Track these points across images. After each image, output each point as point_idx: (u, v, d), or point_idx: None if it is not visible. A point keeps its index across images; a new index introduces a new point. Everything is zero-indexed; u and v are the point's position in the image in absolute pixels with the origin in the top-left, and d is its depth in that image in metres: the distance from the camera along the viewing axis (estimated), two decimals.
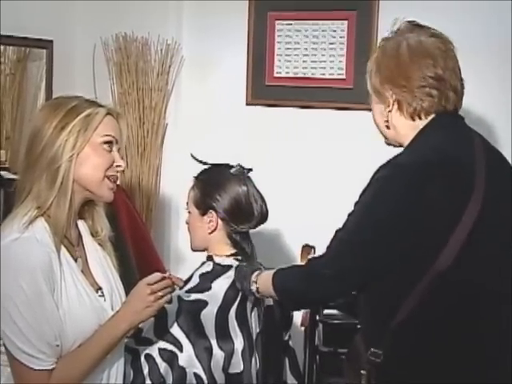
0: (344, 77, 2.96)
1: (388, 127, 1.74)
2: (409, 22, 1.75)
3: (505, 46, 2.70)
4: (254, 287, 1.87)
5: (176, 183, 3.20)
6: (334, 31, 2.96)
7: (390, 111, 1.72)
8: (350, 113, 2.95)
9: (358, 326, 1.88)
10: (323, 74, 3.00)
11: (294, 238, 3.03)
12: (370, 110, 2.94)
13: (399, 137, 1.73)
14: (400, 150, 1.74)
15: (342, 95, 2.96)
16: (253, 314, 1.98)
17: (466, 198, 1.58)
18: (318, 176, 3.04)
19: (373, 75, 1.74)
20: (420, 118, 1.69)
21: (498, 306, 1.63)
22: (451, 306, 1.58)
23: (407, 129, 1.71)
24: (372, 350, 1.64)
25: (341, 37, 2.95)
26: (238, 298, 1.95)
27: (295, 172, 3.08)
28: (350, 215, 1.68)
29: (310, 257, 2.60)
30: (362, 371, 1.66)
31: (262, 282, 1.86)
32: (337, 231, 1.70)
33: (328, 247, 1.71)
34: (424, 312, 1.58)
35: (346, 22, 2.94)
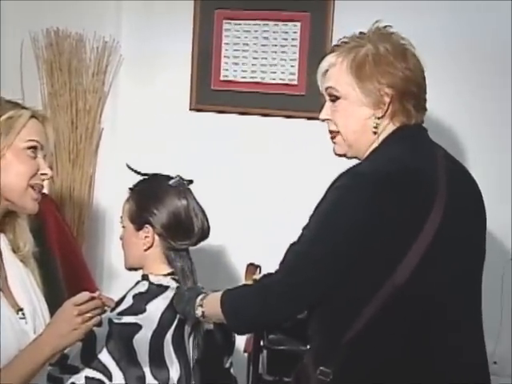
0: (296, 82, 2.98)
1: (375, 133, 1.75)
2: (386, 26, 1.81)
3: (464, 46, 2.78)
4: (199, 311, 1.86)
5: (111, 194, 3.18)
6: (286, 33, 2.98)
7: (380, 117, 1.74)
8: (302, 122, 2.98)
9: (308, 347, 1.89)
10: (273, 79, 3.02)
11: (237, 257, 3.04)
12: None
13: (367, 148, 1.76)
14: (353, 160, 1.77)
15: (294, 102, 2.98)
16: (191, 338, 1.98)
17: (427, 210, 1.63)
18: (265, 189, 3.05)
19: (366, 75, 1.73)
20: (402, 130, 1.74)
21: (449, 321, 1.67)
22: (404, 320, 1.63)
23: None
24: (321, 368, 1.66)
25: (293, 39, 2.97)
26: (175, 322, 1.94)
27: (241, 184, 3.09)
28: (305, 228, 1.70)
29: (255, 277, 2.61)
30: None
31: (209, 305, 1.85)
32: (291, 245, 1.72)
33: (282, 262, 1.72)
34: (376, 328, 1.62)
35: (298, 24, 2.96)
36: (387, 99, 1.72)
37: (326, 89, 1.81)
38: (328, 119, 1.81)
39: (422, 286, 1.62)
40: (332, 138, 1.83)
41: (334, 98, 1.79)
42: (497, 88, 2.77)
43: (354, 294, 1.64)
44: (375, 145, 1.75)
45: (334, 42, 2.81)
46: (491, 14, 2.75)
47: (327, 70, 1.80)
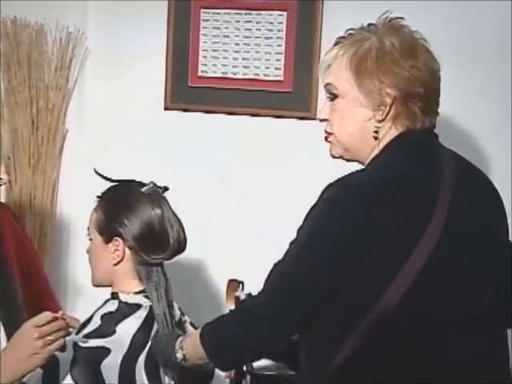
0: (282, 78, 2.98)
1: (376, 138, 1.74)
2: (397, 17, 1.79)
3: (449, 45, 2.79)
4: (180, 354, 1.86)
5: (76, 203, 3.17)
6: (271, 23, 2.98)
7: (381, 120, 1.72)
8: (288, 121, 2.98)
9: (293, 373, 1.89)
10: (257, 75, 3.02)
11: (218, 272, 3.03)
12: (311, 118, 2.97)
13: (373, 151, 1.75)
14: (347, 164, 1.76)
15: (279, 100, 2.97)
16: None
17: (422, 225, 1.61)
18: (248, 197, 3.05)
19: (366, 72, 1.72)
20: (405, 135, 1.73)
21: (446, 337, 1.66)
22: (394, 346, 1.62)
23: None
24: None
25: (278, 30, 2.97)
26: (149, 344, 1.95)
27: (221, 192, 3.08)
28: (292, 243, 1.70)
29: (237, 294, 2.61)
30: None
31: (189, 344, 1.85)
32: (275, 264, 1.71)
33: (265, 282, 1.72)
34: (366, 352, 1.61)
35: (284, 13, 2.96)
36: (389, 100, 1.70)
37: (325, 86, 1.80)
38: (326, 120, 1.81)
39: (417, 306, 1.61)
40: (325, 138, 1.82)
41: (333, 97, 1.78)
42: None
43: (341, 317, 1.64)
44: (376, 151, 1.74)
45: (324, 34, 2.89)
46: (493, 13, 2.76)
47: (330, 65, 1.79)
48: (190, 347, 1.84)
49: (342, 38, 1.80)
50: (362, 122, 1.74)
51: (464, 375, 1.64)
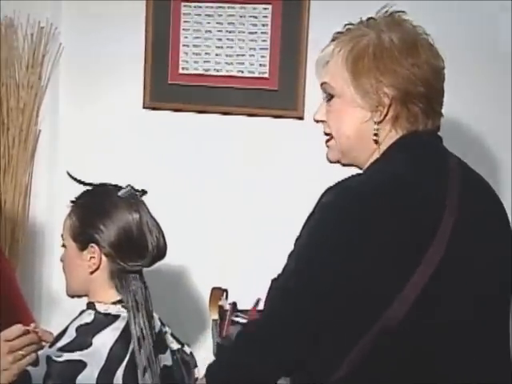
0: (267, 75, 2.98)
1: (377, 142, 1.72)
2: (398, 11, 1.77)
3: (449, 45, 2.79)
4: None
5: (50, 208, 3.18)
6: (255, 17, 2.98)
7: (379, 122, 1.70)
8: (273, 121, 2.98)
9: None
10: (241, 72, 3.02)
11: (200, 279, 3.03)
12: (298, 117, 2.98)
13: (372, 155, 1.73)
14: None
15: (264, 98, 2.98)
16: (147, 375, 1.98)
17: (428, 238, 1.59)
18: (231, 199, 3.05)
19: (363, 71, 1.70)
20: (405, 138, 1.71)
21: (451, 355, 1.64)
22: (394, 360, 1.60)
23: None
24: None
25: (263, 25, 2.98)
26: (127, 357, 1.95)
27: (203, 194, 3.08)
28: (290, 256, 1.67)
29: (221, 303, 2.60)
30: None
31: None
32: (273, 280, 1.70)
33: (265, 302, 1.71)
34: (366, 368, 1.60)
35: (269, 7, 2.96)
36: (387, 101, 1.68)
37: (321, 85, 1.79)
38: (323, 121, 1.80)
39: (420, 326, 1.59)
40: (326, 141, 1.80)
41: (330, 97, 1.77)
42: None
43: (339, 336, 1.61)
44: (376, 155, 1.72)
45: (311, 28, 2.89)
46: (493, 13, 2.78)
47: (328, 62, 1.77)
48: None
49: (339, 33, 1.78)
50: (359, 124, 1.72)
51: None
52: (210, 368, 1.76)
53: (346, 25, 1.80)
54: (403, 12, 1.77)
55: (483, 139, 2.81)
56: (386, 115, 1.69)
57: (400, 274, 1.58)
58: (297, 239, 1.67)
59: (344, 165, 1.81)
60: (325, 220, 1.62)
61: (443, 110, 1.76)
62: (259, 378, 1.70)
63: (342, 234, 1.60)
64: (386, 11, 1.77)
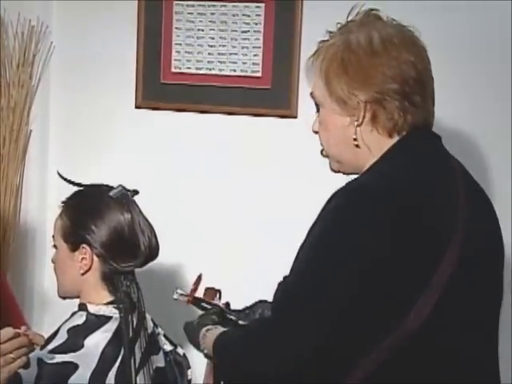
0: (260, 74, 2.98)
1: (358, 146, 1.72)
2: (371, 10, 1.76)
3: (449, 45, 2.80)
4: (202, 347, 1.90)
5: (42, 209, 3.18)
6: (248, 16, 2.98)
7: (359, 125, 1.70)
8: (266, 120, 2.98)
9: None
10: (233, 71, 3.02)
11: (193, 279, 2.99)
12: (292, 116, 2.97)
13: (368, 160, 1.72)
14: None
15: (257, 98, 2.98)
16: (138, 378, 1.97)
17: (445, 241, 1.59)
18: (225, 199, 3.05)
19: (333, 77, 1.70)
20: (399, 135, 1.70)
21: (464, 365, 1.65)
22: (409, 367, 1.60)
23: (383, 148, 1.70)
24: None
25: (256, 23, 2.98)
26: (119, 358, 1.94)
27: (196, 194, 3.08)
28: (296, 259, 1.66)
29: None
30: None
31: (207, 343, 1.87)
32: (279, 284, 1.70)
33: (273, 303, 1.70)
34: (378, 377, 1.59)
35: (262, 5, 2.96)
36: (361, 104, 1.68)
37: (310, 95, 1.80)
38: (317, 132, 1.80)
39: (435, 335, 1.59)
40: (321, 151, 1.81)
41: (317, 107, 1.78)
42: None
43: (350, 345, 1.60)
44: (372, 160, 1.71)
45: (304, 27, 2.89)
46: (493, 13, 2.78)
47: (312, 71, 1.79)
48: (207, 345, 1.87)
49: (322, 41, 1.79)
50: (341, 130, 1.72)
51: None
52: (219, 339, 1.82)
53: (327, 31, 1.80)
54: (376, 10, 1.77)
55: (483, 139, 2.81)
56: (363, 117, 1.69)
57: (421, 276, 1.57)
58: (304, 242, 1.65)
59: (343, 173, 1.80)
60: (339, 221, 1.60)
61: (443, 110, 1.76)
62: (250, 371, 1.70)
63: (361, 234, 1.58)
64: (363, 12, 1.77)
